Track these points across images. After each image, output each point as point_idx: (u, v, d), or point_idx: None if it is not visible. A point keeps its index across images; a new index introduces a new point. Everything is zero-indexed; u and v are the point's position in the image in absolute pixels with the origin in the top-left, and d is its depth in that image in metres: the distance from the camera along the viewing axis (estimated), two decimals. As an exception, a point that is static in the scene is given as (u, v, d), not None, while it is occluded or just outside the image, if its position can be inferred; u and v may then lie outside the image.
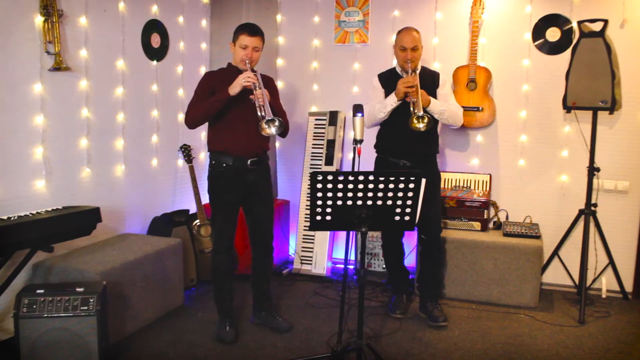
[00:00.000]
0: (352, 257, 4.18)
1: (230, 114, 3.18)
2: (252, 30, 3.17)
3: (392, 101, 3.44)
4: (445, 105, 3.50)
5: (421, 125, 3.30)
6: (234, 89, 3.07)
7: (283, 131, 3.11)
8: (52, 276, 3.08)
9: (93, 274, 3.03)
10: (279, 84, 4.80)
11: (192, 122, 3.21)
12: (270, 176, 3.43)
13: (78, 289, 2.77)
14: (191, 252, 4.05)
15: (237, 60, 3.24)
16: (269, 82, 3.30)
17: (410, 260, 4.25)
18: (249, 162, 3.23)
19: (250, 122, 3.17)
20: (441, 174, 3.81)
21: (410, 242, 4.25)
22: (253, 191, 3.30)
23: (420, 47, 3.50)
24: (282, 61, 4.82)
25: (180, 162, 4.40)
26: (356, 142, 2.91)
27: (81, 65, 3.45)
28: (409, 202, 2.67)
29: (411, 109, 3.35)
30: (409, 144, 3.50)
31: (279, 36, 4.79)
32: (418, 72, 3.52)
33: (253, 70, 3.13)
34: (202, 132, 4.57)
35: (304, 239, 4.56)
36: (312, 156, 4.60)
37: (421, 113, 3.29)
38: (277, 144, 4.88)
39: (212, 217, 3.35)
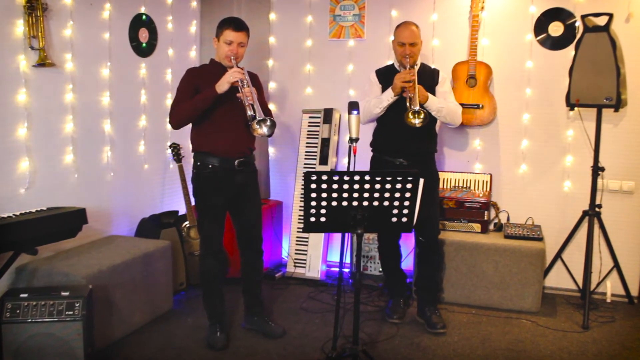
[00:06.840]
0: (347, 260, 4.14)
1: (216, 112, 3.09)
2: (237, 25, 3.09)
3: (389, 96, 3.40)
4: (444, 103, 3.45)
5: (417, 121, 3.26)
6: (221, 86, 2.98)
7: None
8: (36, 280, 3.04)
9: (79, 277, 2.99)
10: (272, 82, 4.72)
11: (177, 122, 3.12)
12: (258, 177, 3.37)
13: (63, 293, 2.74)
14: (180, 255, 4.00)
15: (221, 56, 3.15)
16: (255, 79, 3.23)
17: (407, 263, 4.18)
18: (236, 162, 3.15)
19: (237, 121, 3.11)
20: (440, 173, 3.76)
21: (407, 244, 4.18)
22: (241, 193, 3.23)
23: (419, 42, 3.45)
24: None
25: (169, 161, 4.32)
26: (352, 140, 2.86)
27: (67, 60, 3.37)
28: (406, 203, 2.62)
29: (407, 104, 3.30)
30: (406, 142, 3.45)
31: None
32: (417, 68, 3.48)
33: (239, 67, 3.04)
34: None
35: (297, 241, 4.49)
36: (305, 155, 4.52)
37: (417, 108, 3.25)
38: (269, 143, 4.78)
39: (199, 221, 3.28)
